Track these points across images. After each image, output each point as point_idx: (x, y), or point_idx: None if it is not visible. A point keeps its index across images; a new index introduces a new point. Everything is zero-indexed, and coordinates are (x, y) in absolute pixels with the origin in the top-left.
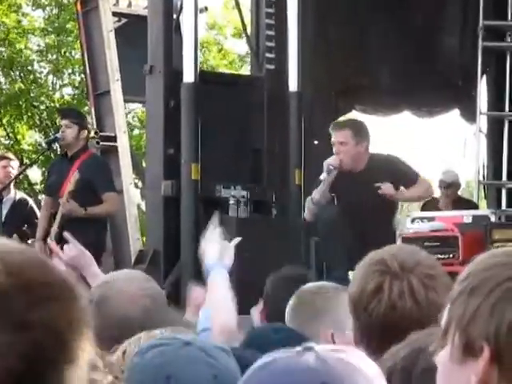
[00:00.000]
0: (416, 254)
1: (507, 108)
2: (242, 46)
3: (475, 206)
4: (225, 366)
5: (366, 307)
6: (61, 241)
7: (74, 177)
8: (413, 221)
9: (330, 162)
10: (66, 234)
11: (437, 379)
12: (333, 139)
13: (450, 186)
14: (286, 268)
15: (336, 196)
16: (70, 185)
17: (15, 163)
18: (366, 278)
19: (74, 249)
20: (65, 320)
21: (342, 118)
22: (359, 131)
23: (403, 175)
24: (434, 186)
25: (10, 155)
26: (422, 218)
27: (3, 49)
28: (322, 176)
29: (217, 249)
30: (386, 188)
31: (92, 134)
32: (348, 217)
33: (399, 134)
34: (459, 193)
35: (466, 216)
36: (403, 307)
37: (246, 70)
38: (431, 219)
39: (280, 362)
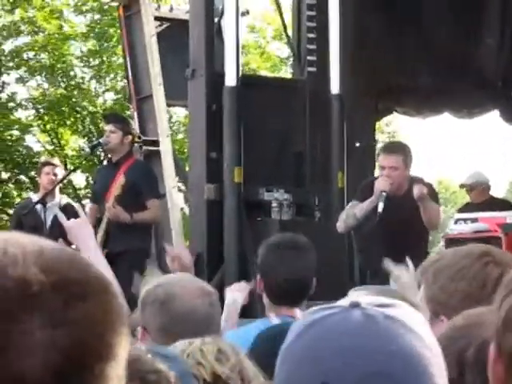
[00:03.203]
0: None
1: None
2: (283, 49)
3: (510, 205)
4: None
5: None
6: (106, 246)
7: (120, 181)
8: (456, 222)
9: (382, 187)
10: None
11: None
12: (383, 163)
13: (473, 188)
14: (276, 236)
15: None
16: (116, 189)
17: (59, 170)
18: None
19: (76, 220)
20: (103, 316)
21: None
22: (409, 156)
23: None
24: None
25: (56, 161)
26: (465, 220)
27: (45, 55)
28: (380, 207)
29: None
30: (421, 188)
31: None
32: (385, 235)
33: (439, 136)
34: (491, 193)
35: (509, 217)
36: None
37: (287, 73)
38: (474, 220)
39: (328, 321)
